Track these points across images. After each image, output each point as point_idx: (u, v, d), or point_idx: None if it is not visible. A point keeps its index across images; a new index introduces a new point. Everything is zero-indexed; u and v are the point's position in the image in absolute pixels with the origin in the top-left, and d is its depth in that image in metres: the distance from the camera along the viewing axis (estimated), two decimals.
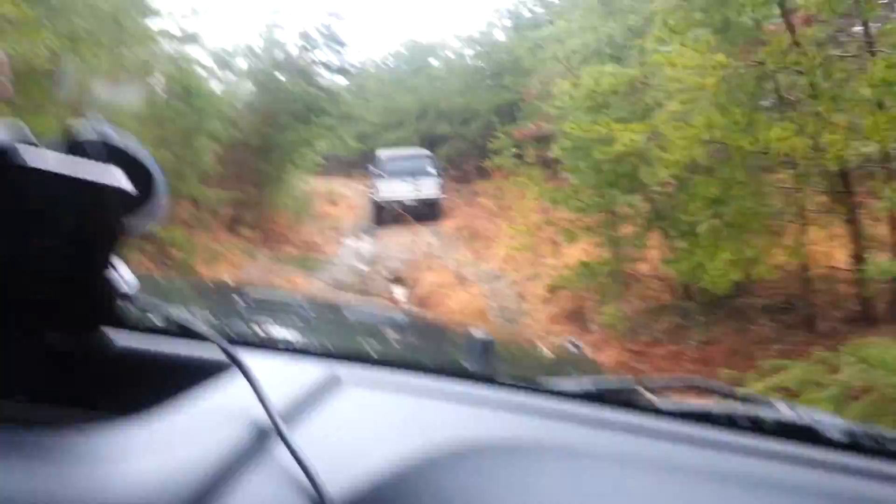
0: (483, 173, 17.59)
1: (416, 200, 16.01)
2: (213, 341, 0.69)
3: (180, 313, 0.77)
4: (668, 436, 0.78)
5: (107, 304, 0.65)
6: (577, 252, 8.14)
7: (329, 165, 29.71)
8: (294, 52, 12.99)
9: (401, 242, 14.17)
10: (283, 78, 12.56)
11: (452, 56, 24.89)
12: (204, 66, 10.96)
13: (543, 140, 15.13)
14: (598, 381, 1.01)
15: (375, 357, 1.01)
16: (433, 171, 16.37)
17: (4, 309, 0.59)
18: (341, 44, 13.81)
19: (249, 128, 11.83)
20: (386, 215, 16.22)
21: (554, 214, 10.44)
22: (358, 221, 18.14)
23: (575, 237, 6.84)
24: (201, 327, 0.71)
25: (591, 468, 0.69)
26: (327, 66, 13.82)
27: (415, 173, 16.02)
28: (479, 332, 1.31)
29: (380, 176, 16.18)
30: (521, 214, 9.37)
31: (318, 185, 23.32)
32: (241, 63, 12.55)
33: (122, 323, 0.72)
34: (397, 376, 0.86)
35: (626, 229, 7.33)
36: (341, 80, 15.30)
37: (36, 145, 0.57)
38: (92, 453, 0.54)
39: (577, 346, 2.02)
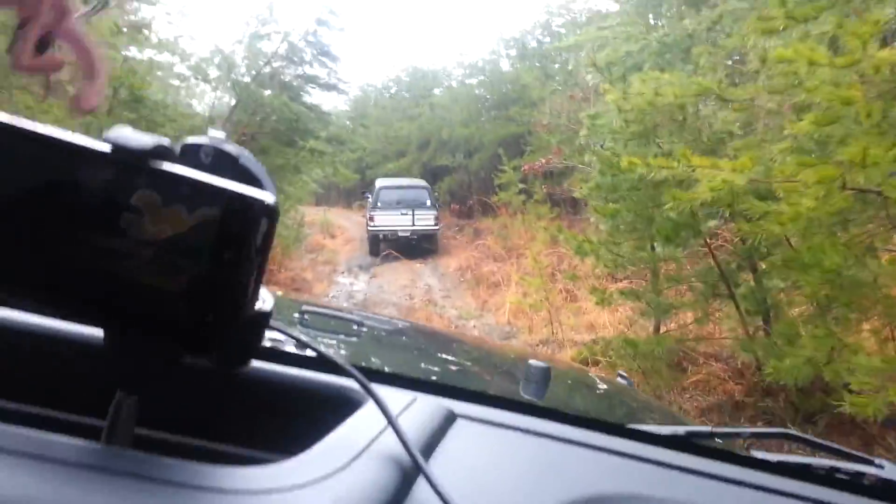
0: (487, 209, 16.70)
1: (412, 232, 15.60)
2: (351, 375, 0.69)
3: (313, 342, 0.72)
4: (767, 489, 0.79)
5: (255, 332, 0.59)
6: (608, 315, 7.11)
7: (327, 195, 29.00)
8: (278, 63, 11.72)
9: (398, 282, 13.16)
10: (266, 92, 11.24)
11: (455, 84, 24.14)
12: (177, 75, 9.89)
13: (554, 176, 14.29)
14: (686, 427, 1.00)
15: (488, 394, 0.99)
16: (430, 203, 15.91)
17: (151, 335, 0.55)
18: (332, 57, 12.31)
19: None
20: (382, 246, 15.83)
21: (571, 263, 9.43)
22: (355, 255, 17.24)
23: (608, 299, 5.66)
24: (339, 359, 0.70)
25: None
26: (315, 82, 12.39)
27: (412, 205, 15.59)
28: (537, 362, 1.31)
29: (376, 206, 15.75)
30: (532, 260, 8.28)
31: (314, 215, 22.43)
32: (220, 73, 11.09)
33: (264, 351, 0.72)
34: (507, 415, 0.87)
35: (678, 293, 6.08)
36: (333, 100, 14.22)
37: (172, 149, 0.55)
38: (266, 492, 0.53)
39: (627, 381, 1.98)
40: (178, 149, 0.57)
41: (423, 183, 17.19)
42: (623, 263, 5.61)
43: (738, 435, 1.03)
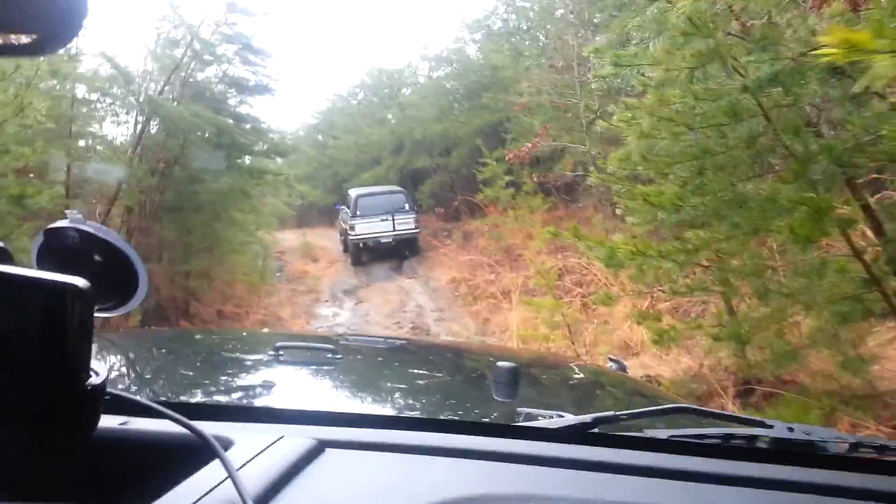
0: (475, 209, 15.18)
1: (393, 238, 15.63)
2: (184, 425, 0.73)
3: (146, 401, 0.77)
4: (656, 470, 0.81)
5: (80, 399, 0.63)
6: (645, 329, 5.51)
7: (308, 214, 27.43)
8: (191, 67, 9.46)
9: (387, 307, 11.62)
10: (173, 104, 9.15)
11: (423, 80, 22.59)
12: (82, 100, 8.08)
13: (541, 163, 12.79)
14: (595, 414, 1.00)
15: (358, 417, 1.00)
16: (409, 206, 15.97)
17: None
18: (256, 52, 9.90)
19: (156, 180, 8.84)
20: (364, 255, 16.12)
21: (581, 263, 7.86)
22: (339, 279, 15.78)
23: (670, 335, 3.93)
24: (169, 413, 0.74)
25: None
26: (240, 85, 10.08)
27: (390, 210, 15.60)
28: (504, 363, 1.30)
29: (355, 215, 15.75)
30: (540, 276, 6.64)
31: (292, 239, 20.93)
32: (121, 91, 8.92)
33: (96, 414, 0.69)
34: (388, 435, 0.88)
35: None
36: (289, 113, 12.30)
37: (7, 250, 0.64)
38: None
39: (620, 365, 1.95)
40: (41, 235, 0.72)
41: (398, 188, 17.16)
42: (684, 276, 3.83)
43: (639, 416, 1.04)
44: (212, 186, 8.73)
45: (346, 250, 17.91)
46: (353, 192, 16.91)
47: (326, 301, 13.82)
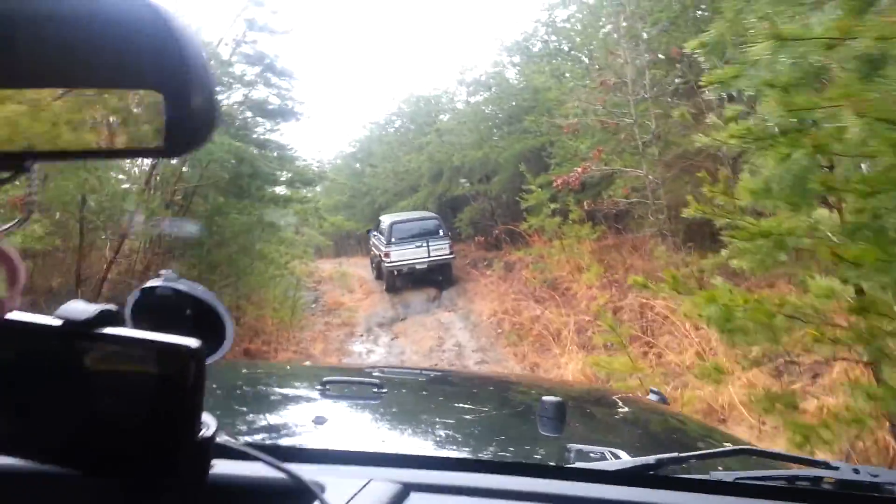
0: (516, 238, 14.38)
1: (428, 264, 15.43)
2: (281, 469, 0.77)
3: (256, 451, 0.80)
4: None
5: (202, 455, 0.67)
6: (732, 388, 4.55)
7: (345, 243, 27.03)
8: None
9: (424, 343, 10.86)
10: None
11: (461, 105, 22.02)
12: None
13: (586, 189, 11.93)
14: (658, 455, 0.99)
15: (436, 460, 1.03)
16: (443, 232, 15.78)
17: (104, 473, 0.66)
18: (280, 72, 9.06)
19: (170, 213, 8.20)
20: (398, 281, 15.96)
21: (638, 299, 6.96)
22: (376, 311, 15.15)
23: (816, 437, 2.77)
24: (274, 462, 0.78)
25: None
26: (262, 109, 9.26)
27: (425, 236, 15.50)
28: (550, 397, 1.31)
29: (390, 242, 15.60)
30: (608, 323, 5.65)
31: (329, 268, 20.42)
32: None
33: (208, 462, 0.72)
34: (463, 478, 0.89)
35: None
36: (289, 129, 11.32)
37: (120, 313, 0.66)
38: None
39: (660, 396, 1.91)
40: (137, 292, 0.78)
41: (432, 214, 17.06)
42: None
43: (701, 457, 1.03)
44: (236, 219, 8.09)
45: (378, 277, 17.60)
46: (386, 219, 16.69)
47: (361, 336, 13.19)
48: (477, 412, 1.65)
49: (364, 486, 0.84)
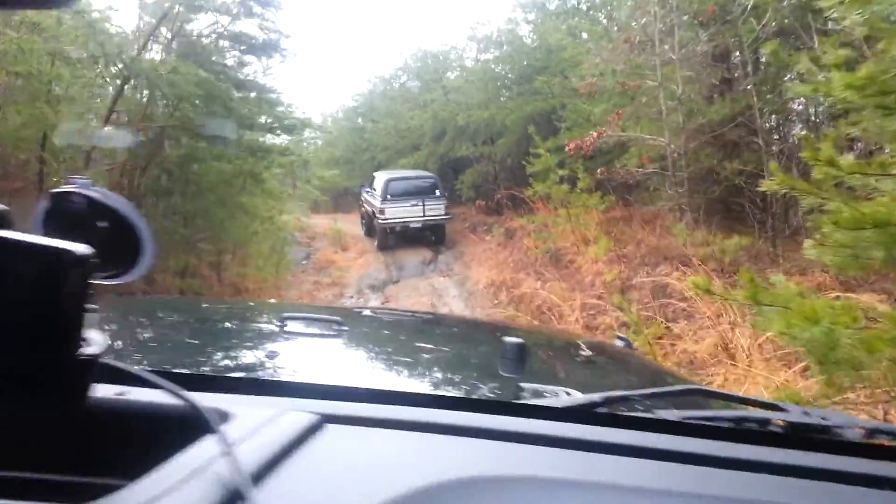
0: (519, 204, 13.72)
1: (423, 223, 15.18)
2: (179, 396, 0.72)
3: (141, 371, 0.77)
4: (666, 452, 0.80)
5: (71, 367, 0.63)
6: (778, 374, 3.92)
7: (343, 199, 26.34)
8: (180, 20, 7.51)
9: (416, 307, 10.30)
10: (156, 59, 7.30)
11: (470, 63, 21.09)
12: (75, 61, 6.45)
13: (601, 155, 11.21)
14: (607, 393, 0.98)
15: (359, 392, 0.97)
16: (439, 192, 15.35)
17: None
18: (264, 2, 7.98)
19: (137, 155, 7.33)
20: (391, 240, 15.62)
21: (672, 286, 6.34)
22: (368, 272, 14.64)
23: None
24: (164, 383, 0.74)
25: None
26: (242, 42, 8.19)
27: (419, 195, 15.12)
28: (511, 338, 1.28)
29: (385, 199, 15.20)
30: (598, 284, 5.05)
31: (323, 225, 19.79)
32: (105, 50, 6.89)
33: (87, 383, 0.68)
34: (390, 410, 0.86)
35: None
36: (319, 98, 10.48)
37: (8, 215, 0.62)
38: None
39: (625, 341, 1.94)
40: (46, 199, 0.69)
41: (429, 173, 16.58)
42: None
43: (650, 396, 1.03)
44: (211, 167, 7.28)
45: (368, 233, 17.10)
46: (381, 175, 16.19)
47: (350, 297, 12.70)
48: (437, 351, 1.65)
49: (275, 415, 0.79)
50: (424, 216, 15.00)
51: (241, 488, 0.60)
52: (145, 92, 7.64)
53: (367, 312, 2.46)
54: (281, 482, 0.66)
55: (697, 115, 8.14)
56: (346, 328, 1.55)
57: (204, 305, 2.70)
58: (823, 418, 0.93)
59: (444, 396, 1.09)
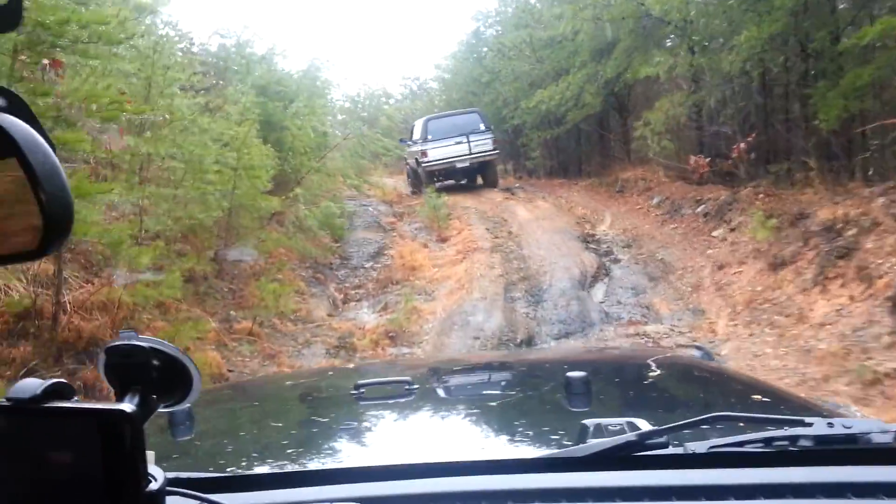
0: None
1: (470, 161, 14.49)
2: None
3: (205, 496, 0.83)
4: (692, 489, 0.82)
5: None
6: None
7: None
8: None
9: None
10: None
11: None
12: None
13: None
14: (641, 430, 1.01)
15: (404, 469, 1.00)
16: (485, 126, 14.66)
17: None
18: None
19: None
20: (436, 182, 14.49)
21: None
22: (469, 302, 7.72)
23: None
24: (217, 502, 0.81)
25: None
26: None
27: (464, 132, 14.36)
28: (575, 373, 1.35)
29: (427, 140, 14.46)
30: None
31: (416, 204, 13.46)
32: None
33: None
34: (430, 484, 0.92)
35: None
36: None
37: (70, 385, 0.70)
38: None
39: (704, 353, 1.94)
40: (103, 353, 0.77)
41: (472, 108, 16.26)
42: None
43: (678, 429, 1.02)
44: None
45: (414, 189, 15.35)
46: (419, 121, 15.83)
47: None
48: (503, 398, 1.70)
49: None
50: (471, 153, 14.32)
51: None
52: None
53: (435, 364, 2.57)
54: None
55: None
56: (416, 387, 1.60)
57: (287, 384, 2.59)
58: (846, 427, 0.94)
59: (477, 463, 1.06)
